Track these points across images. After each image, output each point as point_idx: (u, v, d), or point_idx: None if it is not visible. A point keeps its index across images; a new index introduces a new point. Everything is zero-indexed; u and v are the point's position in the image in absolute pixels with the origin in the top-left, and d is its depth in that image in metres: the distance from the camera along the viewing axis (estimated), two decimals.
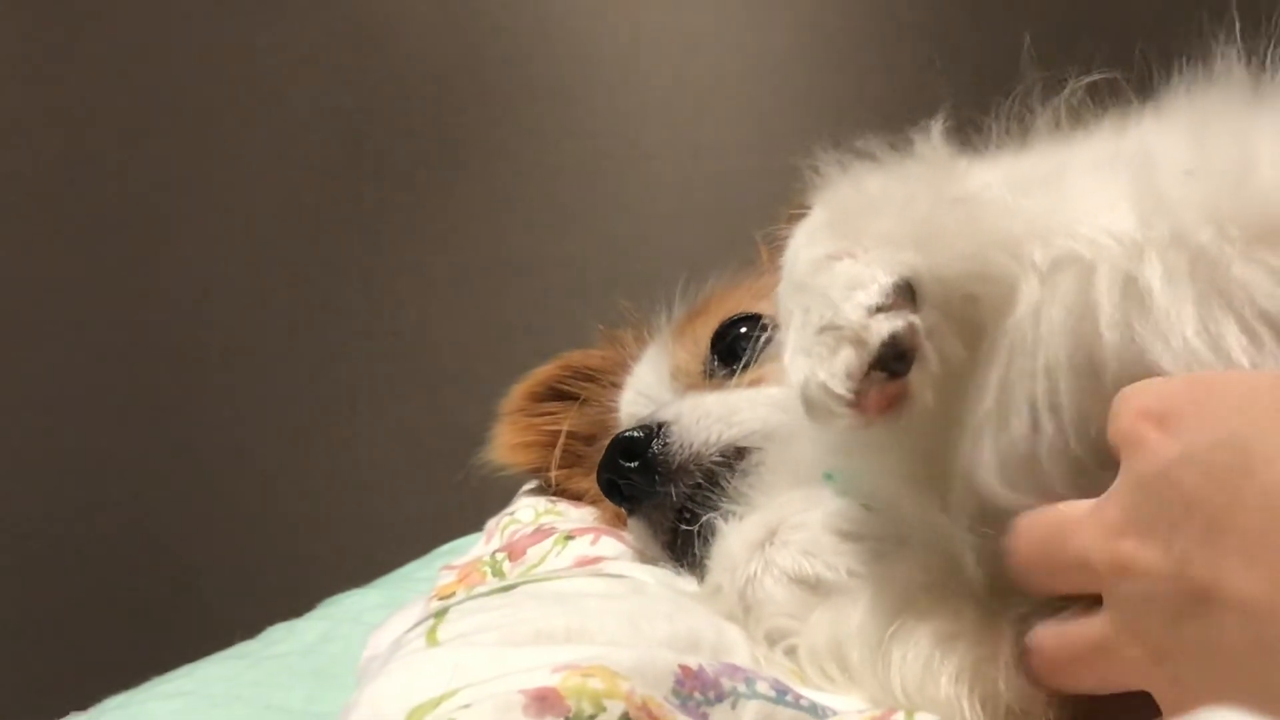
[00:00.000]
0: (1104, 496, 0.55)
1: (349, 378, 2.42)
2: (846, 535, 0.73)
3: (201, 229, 2.42)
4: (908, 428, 0.62)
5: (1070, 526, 0.56)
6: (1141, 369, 0.57)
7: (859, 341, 0.58)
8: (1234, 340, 0.56)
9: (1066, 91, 0.70)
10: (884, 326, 0.58)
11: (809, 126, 2.15)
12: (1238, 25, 0.66)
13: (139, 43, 2.40)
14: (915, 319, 0.58)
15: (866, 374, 0.58)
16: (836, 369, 0.58)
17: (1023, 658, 0.61)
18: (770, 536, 0.76)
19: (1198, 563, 0.49)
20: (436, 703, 0.57)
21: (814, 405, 0.60)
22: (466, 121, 2.41)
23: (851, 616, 0.69)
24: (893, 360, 0.59)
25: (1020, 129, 0.70)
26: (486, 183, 2.42)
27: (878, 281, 0.59)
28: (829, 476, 0.75)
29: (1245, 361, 0.56)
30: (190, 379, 2.42)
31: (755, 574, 0.75)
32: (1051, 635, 0.59)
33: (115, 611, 2.35)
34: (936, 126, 0.68)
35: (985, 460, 0.60)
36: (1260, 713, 0.44)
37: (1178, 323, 0.57)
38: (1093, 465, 0.58)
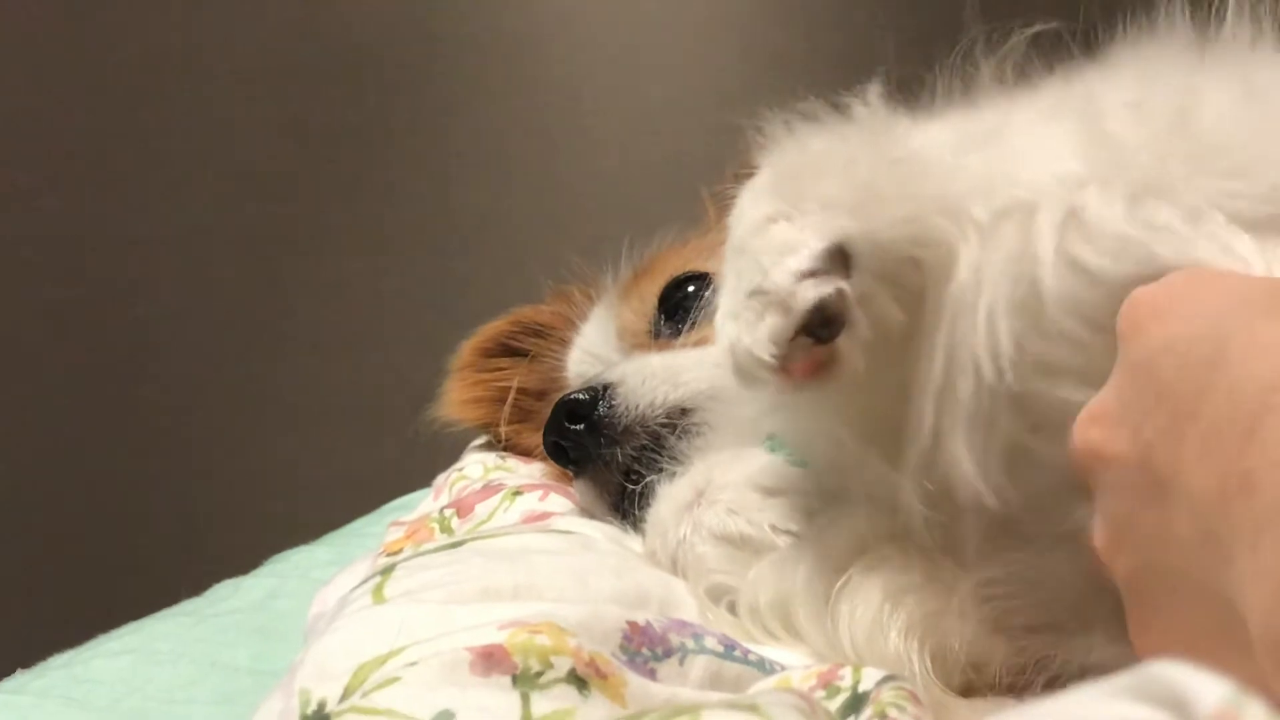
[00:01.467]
0: (1105, 385, 0.54)
1: (298, 333, 2.41)
2: (771, 491, 0.73)
3: (144, 183, 2.39)
4: (853, 389, 0.62)
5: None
6: (1081, 287, 0.57)
7: (785, 308, 0.58)
8: (1168, 215, 0.56)
9: (1010, 45, 0.70)
10: (810, 293, 0.57)
11: (759, 83, 2.14)
12: None
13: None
14: (845, 285, 0.58)
15: (792, 339, 0.58)
16: (761, 335, 0.58)
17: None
18: (698, 497, 0.76)
19: (1160, 450, 0.48)
20: (383, 660, 0.57)
21: (740, 369, 0.60)
22: (415, 77, 2.39)
23: (796, 572, 0.69)
24: (819, 326, 0.58)
25: (966, 84, 0.70)
26: (436, 138, 2.40)
27: (809, 247, 0.58)
28: (771, 440, 0.75)
29: (1184, 236, 0.56)
30: (135, 334, 2.39)
31: (685, 536, 0.76)
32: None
33: (60, 569, 2.33)
34: (874, 88, 0.67)
35: (947, 430, 0.61)
36: (1203, 609, 0.45)
37: (1110, 221, 0.57)
38: (1039, 410, 0.59)
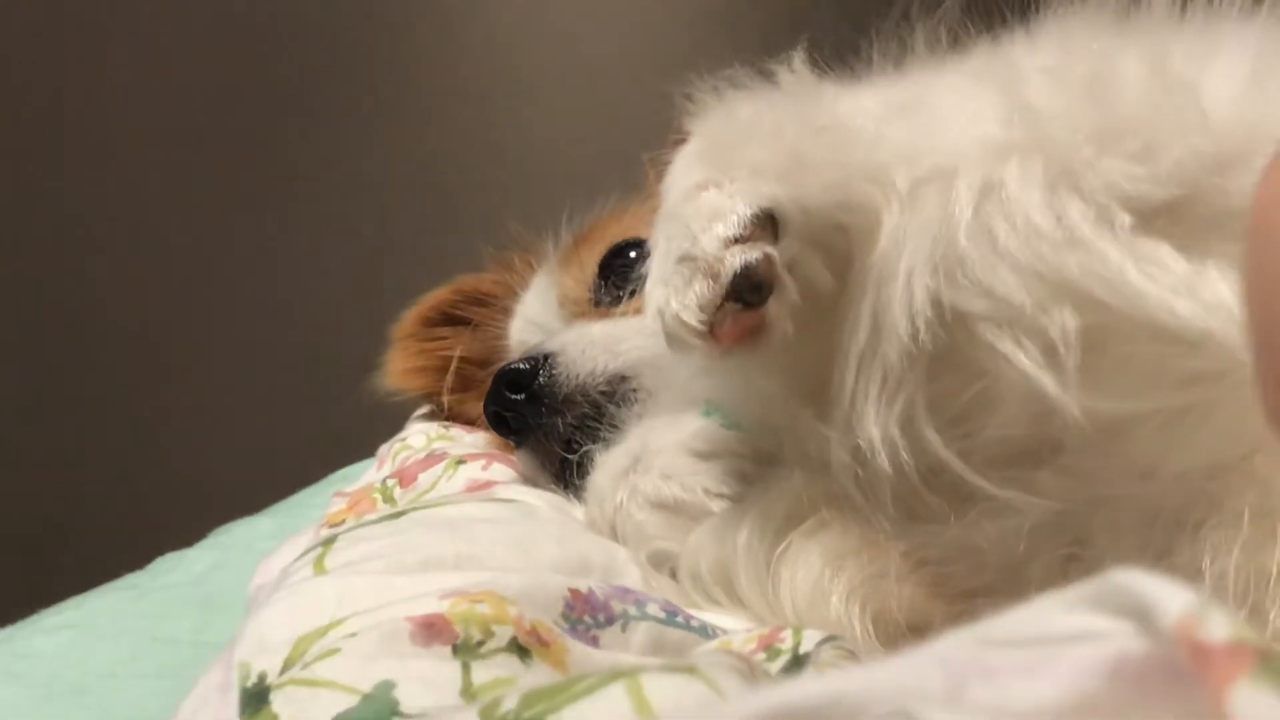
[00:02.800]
0: None
1: (239, 302, 2.38)
2: (704, 455, 0.74)
3: (82, 149, 2.35)
4: (784, 350, 0.62)
5: None
6: (990, 255, 0.58)
7: (713, 273, 0.59)
8: (1078, 215, 0.57)
9: (942, 10, 0.71)
10: (738, 259, 0.58)
11: (703, 48, 2.13)
12: None
13: None
14: (772, 250, 0.59)
15: (720, 306, 0.59)
16: (689, 300, 0.59)
17: None
18: (634, 464, 0.77)
19: None
20: (323, 631, 0.57)
21: (669, 335, 0.61)
22: (351, 42, 2.36)
23: (735, 538, 0.69)
24: (747, 291, 0.59)
25: (898, 50, 0.70)
26: (378, 105, 2.38)
27: (736, 213, 0.59)
28: (708, 408, 0.76)
29: (1090, 235, 0.56)
30: (71, 306, 2.36)
31: (621, 503, 0.76)
32: None
33: (0, 544, 2.30)
34: (799, 55, 0.68)
35: (862, 392, 0.61)
36: None
37: (1026, 206, 0.58)
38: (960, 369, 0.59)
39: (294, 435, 2.17)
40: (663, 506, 0.74)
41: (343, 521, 0.86)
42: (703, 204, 0.60)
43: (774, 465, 0.71)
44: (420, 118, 2.37)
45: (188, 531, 1.31)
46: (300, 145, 2.38)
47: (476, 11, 2.38)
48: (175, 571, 1.19)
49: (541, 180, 2.18)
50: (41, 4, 2.32)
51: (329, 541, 0.71)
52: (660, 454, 0.75)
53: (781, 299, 0.60)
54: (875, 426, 0.60)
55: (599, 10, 2.39)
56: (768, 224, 0.60)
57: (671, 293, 0.60)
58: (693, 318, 0.59)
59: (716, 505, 0.72)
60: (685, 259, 0.60)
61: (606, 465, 0.79)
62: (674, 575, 0.74)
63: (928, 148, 0.61)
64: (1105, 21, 0.65)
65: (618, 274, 1.01)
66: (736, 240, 0.59)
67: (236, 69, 2.37)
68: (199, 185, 2.38)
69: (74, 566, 1.28)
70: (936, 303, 0.58)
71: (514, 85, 2.38)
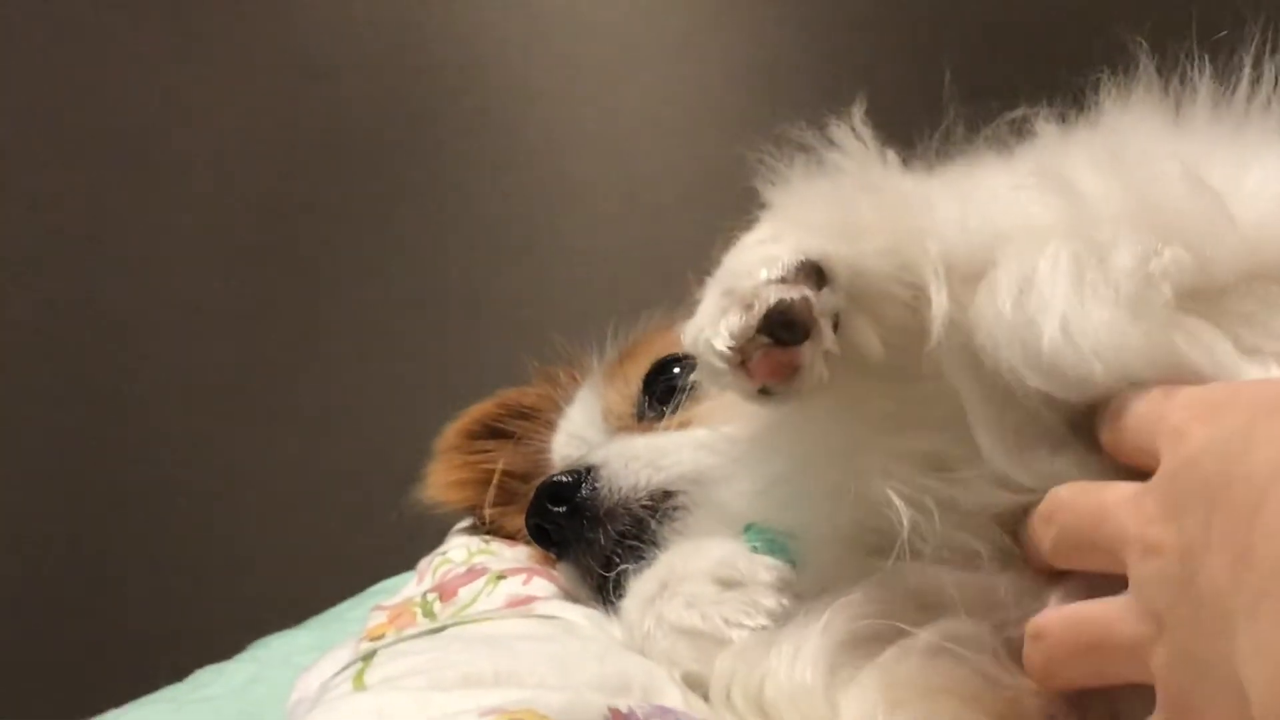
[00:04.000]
0: (1147, 483, 0.56)
1: (281, 413, 2.40)
2: (728, 583, 0.73)
3: (136, 262, 2.39)
4: (835, 476, 0.63)
5: (1110, 509, 0.57)
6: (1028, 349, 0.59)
7: (748, 305, 0.60)
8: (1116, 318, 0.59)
9: (992, 126, 0.73)
10: (773, 294, 0.60)
11: (742, 162, 2.16)
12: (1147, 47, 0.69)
13: (68, 77, 2.37)
14: (810, 294, 0.60)
15: (752, 338, 0.60)
16: (721, 327, 0.60)
17: (1023, 648, 0.61)
18: (662, 589, 0.76)
19: (1196, 543, 0.50)
20: None
21: (702, 362, 0.62)
22: (402, 156, 2.40)
23: (769, 662, 0.68)
24: (781, 329, 0.60)
25: (943, 156, 0.72)
26: (421, 217, 2.41)
27: (782, 259, 0.61)
28: (749, 529, 0.75)
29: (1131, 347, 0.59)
30: (120, 415, 2.38)
31: (649, 629, 0.76)
32: (1059, 618, 0.59)
33: (41, 655, 2.29)
34: (858, 117, 0.70)
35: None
36: (1229, 700, 0.46)
37: (1054, 300, 0.59)
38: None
39: (334, 547, 2.16)
40: (686, 634, 0.73)
41: (382, 635, 0.85)
42: (755, 253, 0.63)
43: (811, 590, 0.70)
44: (464, 229, 2.40)
45: (226, 644, 1.31)
46: (343, 258, 2.41)
47: (521, 122, 2.42)
48: (214, 684, 1.18)
49: (586, 293, 2.20)
50: (80, 112, 2.38)
51: (368, 656, 0.71)
52: (686, 580, 0.75)
53: (817, 343, 0.61)
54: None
55: (644, 122, 2.42)
56: (813, 274, 0.61)
57: (705, 319, 0.62)
58: (723, 344, 0.60)
59: (736, 635, 0.71)
60: (726, 293, 0.61)
61: (636, 590, 0.79)
62: (706, 698, 0.72)
63: (977, 229, 0.63)
64: (1154, 121, 0.67)
65: (662, 389, 1.01)
66: (777, 280, 0.60)
67: (277, 182, 2.42)
68: (241, 298, 2.41)
69: (113, 678, 1.28)
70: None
71: (559, 198, 2.41)
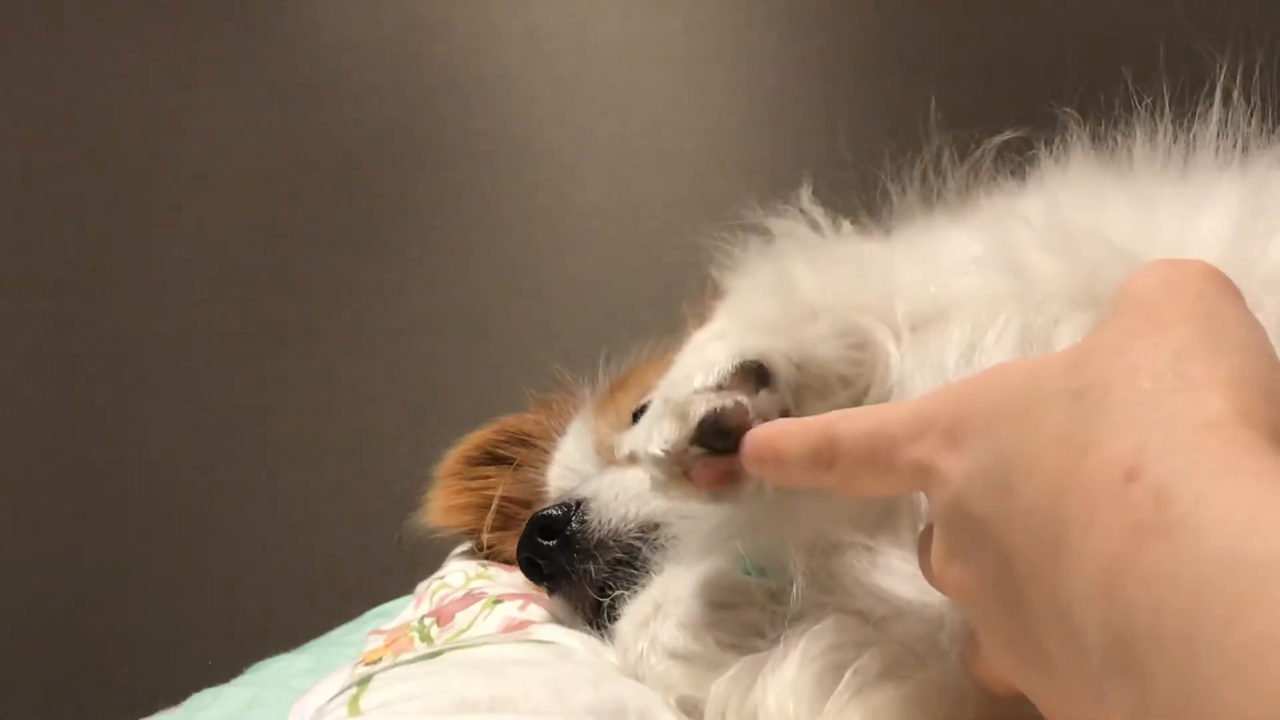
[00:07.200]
0: (929, 527, 0.54)
1: (280, 437, 2.40)
2: (720, 605, 0.74)
3: (137, 284, 2.40)
4: (819, 501, 0.63)
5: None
6: None
7: (682, 416, 0.60)
8: None
9: (978, 154, 0.74)
10: (703, 405, 0.60)
11: (747, 194, 2.17)
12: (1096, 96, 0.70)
13: (70, 99, 2.39)
14: (745, 399, 0.60)
15: (686, 450, 0.60)
16: (654, 439, 0.61)
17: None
18: (655, 611, 0.77)
19: (1005, 584, 0.47)
20: None
21: (650, 476, 0.63)
22: (404, 182, 2.41)
23: (761, 688, 0.68)
24: (714, 437, 0.61)
25: (927, 190, 0.73)
26: (422, 243, 2.42)
27: (718, 365, 0.61)
28: (741, 560, 0.76)
29: None
30: (120, 437, 2.38)
31: (643, 652, 0.76)
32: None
33: (39, 678, 2.29)
34: (805, 196, 0.71)
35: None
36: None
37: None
38: None
39: (333, 570, 2.17)
40: (679, 657, 0.73)
41: (379, 660, 0.86)
42: (701, 355, 0.63)
43: (797, 615, 0.70)
44: (465, 258, 2.40)
45: (224, 667, 1.31)
46: (342, 283, 2.41)
47: (523, 153, 2.43)
48: (211, 708, 1.18)
49: (586, 320, 2.21)
50: (83, 135, 2.39)
51: (365, 681, 0.71)
52: (679, 603, 0.75)
53: None
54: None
55: (645, 153, 2.43)
56: (752, 375, 0.61)
57: (643, 431, 0.62)
58: (658, 452, 0.61)
59: (729, 657, 0.71)
60: (665, 401, 0.62)
61: (631, 613, 0.79)
62: None
63: (931, 291, 0.65)
64: (1101, 173, 0.69)
65: None
66: (712, 389, 0.60)
67: (279, 207, 2.42)
68: (241, 324, 2.41)
69: (111, 701, 1.28)
70: None
71: (561, 224, 2.41)
